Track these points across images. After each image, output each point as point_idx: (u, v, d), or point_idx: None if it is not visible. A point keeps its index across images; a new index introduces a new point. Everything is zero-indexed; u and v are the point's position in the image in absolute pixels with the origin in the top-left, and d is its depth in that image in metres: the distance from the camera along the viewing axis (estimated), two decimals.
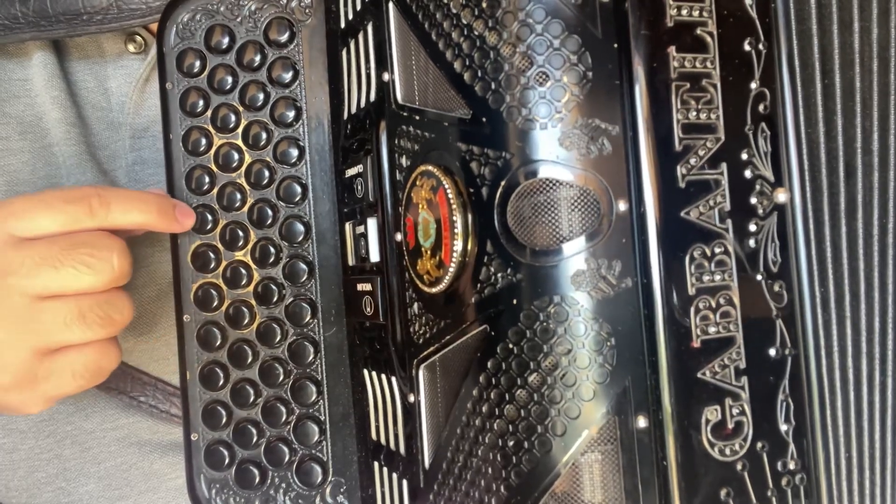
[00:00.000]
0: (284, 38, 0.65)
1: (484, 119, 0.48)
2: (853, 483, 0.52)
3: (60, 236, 0.57)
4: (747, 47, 0.49)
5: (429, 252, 0.52)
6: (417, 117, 0.54)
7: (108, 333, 0.59)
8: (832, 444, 0.51)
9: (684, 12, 0.48)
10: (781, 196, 0.50)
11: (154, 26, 0.72)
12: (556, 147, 0.46)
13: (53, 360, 0.58)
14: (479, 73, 0.48)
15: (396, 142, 0.56)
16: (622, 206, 0.46)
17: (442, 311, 0.52)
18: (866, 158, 0.53)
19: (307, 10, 0.65)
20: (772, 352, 0.49)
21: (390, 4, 0.55)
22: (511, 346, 0.48)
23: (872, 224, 0.53)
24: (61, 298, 0.57)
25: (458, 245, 0.49)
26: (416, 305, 0.55)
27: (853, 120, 0.53)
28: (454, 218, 0.49)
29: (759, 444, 0.48)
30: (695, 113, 0.47)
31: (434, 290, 0.52)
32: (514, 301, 0.47)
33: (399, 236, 0.56)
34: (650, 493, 0.46)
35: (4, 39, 0.67)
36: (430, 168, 0.51)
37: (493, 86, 0.48)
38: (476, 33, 0.48)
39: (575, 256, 0.46)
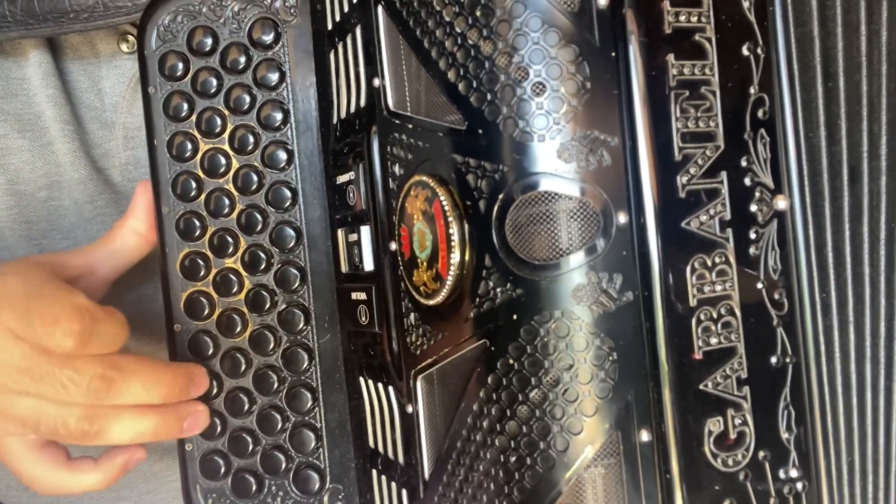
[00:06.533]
0: (269, 38, 0.64)
1: (480, 131, 0.47)
2: (855, 488, 0.52)
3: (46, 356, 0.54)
4: (746, 52, 0.48)
5: (425, 264, 0.51)
6: (410, 125, 0.52)
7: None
8: (833, 449, 0.51)
9: (682, 18, 0.47)
10: (781, 203, 0.49)
11: None
12: (554, 159, 0.45)
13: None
14: (475, 84, 0.47)
15: (389, 149, 0.54)
16: (622, 218, 0.45)
17: (439, 323, 0.51)
18: (873, 163, 0.53)
19: (292, 11, 0.64)
20: (773, 360, 0.49)
21: (379, 8, 0.54)
22: (511, 361, 0.47)
23: (879, 228, 0.53)
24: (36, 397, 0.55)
25: (456, 257, 0.48)
26: (412, 316, 0.54)
27: (859, 124, 0.52)
28: (451, 230, 0.48)
29: (762, 454, 0.48)
30: (694, 121, 0.47)
31: (431, 302, 0.51)
32: (514, 316, 0.47)
33: (394, 245, 0.55)
34: None
35: None
36: (424, 178, 0.50)
37: (488, 97, 0.47)
38: (470, 42, 0.47)
39: (575, 270, 0.46)
